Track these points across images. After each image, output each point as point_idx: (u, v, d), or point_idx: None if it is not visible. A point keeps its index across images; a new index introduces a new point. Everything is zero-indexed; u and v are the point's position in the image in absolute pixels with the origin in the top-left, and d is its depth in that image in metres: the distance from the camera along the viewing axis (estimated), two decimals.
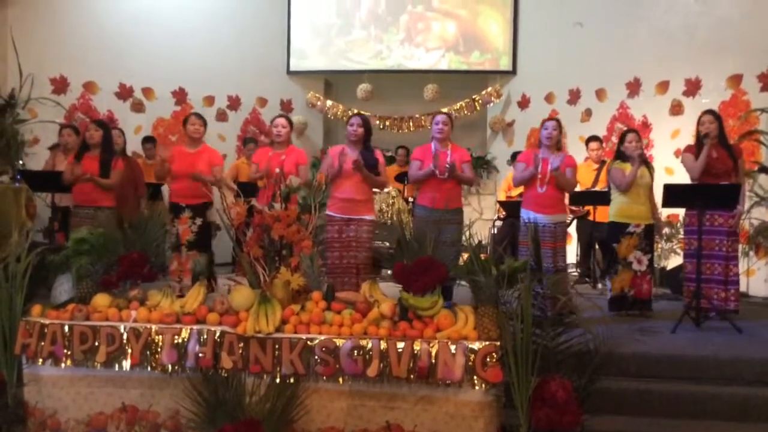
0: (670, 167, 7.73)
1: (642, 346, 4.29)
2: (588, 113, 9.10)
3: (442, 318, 3.40)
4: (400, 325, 3.38)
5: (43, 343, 3.48)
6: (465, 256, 3.77)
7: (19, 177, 6.98)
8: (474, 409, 3.23)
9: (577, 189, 6.72)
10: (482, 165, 10.05)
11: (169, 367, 3.40)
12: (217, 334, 3.39)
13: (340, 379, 3.31)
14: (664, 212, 6.10)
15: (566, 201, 6.24)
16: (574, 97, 9.26)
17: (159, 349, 3.41)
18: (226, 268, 8.04)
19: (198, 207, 5.61)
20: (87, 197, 5.57)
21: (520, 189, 7.94)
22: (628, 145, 5.64)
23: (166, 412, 3.44)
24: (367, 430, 3.32)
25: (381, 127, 10.12)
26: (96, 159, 5.61)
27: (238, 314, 3.47)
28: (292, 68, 10.37)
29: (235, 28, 9.81)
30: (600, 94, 8.98)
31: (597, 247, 7.49)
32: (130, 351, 3.43)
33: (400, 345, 3.27)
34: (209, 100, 9.83)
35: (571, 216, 7.50)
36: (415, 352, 3.25)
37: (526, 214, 5.30)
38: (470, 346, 3.24)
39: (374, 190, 5.59)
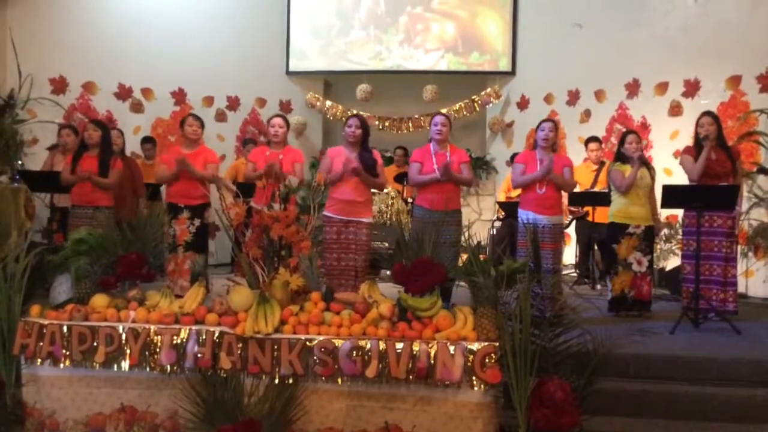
0: (668, 168, 7.74)
1: (641, 346, 4.29)
2: (587, 114, 9.11)
3: (441, 319, 3.40)
4: (398, 325, 3.38)
5: (41, 344, 3.47)
6: (464, 256, 3.77)
7: (18, 177, 6.99)
8: (473, 410, 3.23)
9: (576, 190, 6.72)
10: (481, 166, 10.06)
11: (168, 367, 3.40)
12: (216, 334, 3.39)
13: (339, 380, 3.30)
14: (663, 213, 6.10)
15: (565, 202, 6.25)
16: (573, 98, 9.27)
17: (158, 350, 3.41)
18: (225, 269, 8.05)
19: (196, 208, 5.60)
20: (86, 197, 5.57)
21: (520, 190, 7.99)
22: (628, 147, 5.64)
23: (164, 412, 3.43)
24: (365, 431, 3.31)
25: (380, 127, 10.13)
26: (95, 159, 5.62)
27: (237, 315, 3.47)
28: (292, 69, 10.37)
29: (234, 29, 9.82)
30: (599, 95, 8.99)
31: (596, 247, 7.50)
32: (128, 351, 3.43)
33: (399, 346, 3.27)
34: (208, 101, 9.83)
35: (570, 217, 7.51)
36: (414, 352, 3.25)
37: (525, 215, 5.30)
38: (469, 346, 3.24)
39: (373, 191, 5.59)
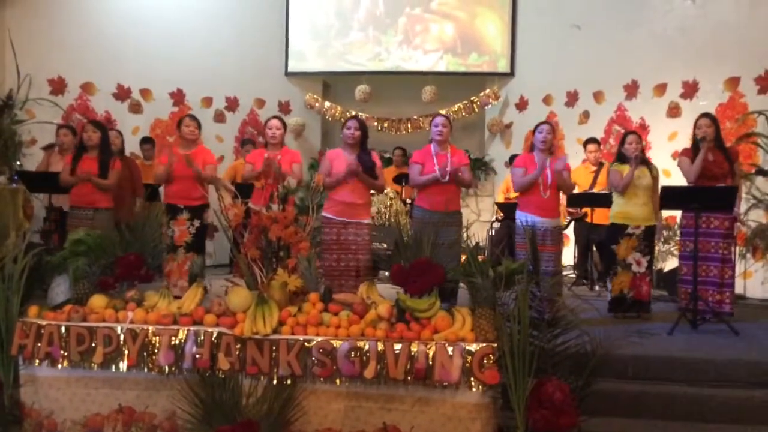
0: (667, 169, 7.74)
1: (639, 348, 4.29)
2: (586, 115, 9.11)
3: (439, 320, 3.40)
4: (397, 326, 3.38)
5: (39, 344, 3.47)
6: (464, 257, 3.77)
7: (16, 178, 6.98)
8: (471, 411, 3.23)
9: (575, 191, 6.73)
10: (480, 167, 10.06)
11: (166, 368, 3.40)
12: (214, 335, 3.39)
13: (337, 381, 3.31)
14: (662, 214, 6.11)
15: (563, 203, 6.25)
16: (572, 99, 9.27)
17: (156, 351, 3.41)
18: (223, 270, 8.05)
19: (195, 209, 5.60)
20: (85, 198, 5.57)
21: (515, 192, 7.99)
22: (628, 147, 5.65)
23: (162, 413, 3.44)
24: None
25: (379, 128, 10.13)
26: (94, 160, 5.61)
27: (236, 315, 3.47)
28: (291, 69, 10.37)
29: (233, 30, 9.81)
30: (598, 96, 8.99)
31: (594, 249, 7.51)
32: (126, 352, 3.43)
33: (398, 346, 3.27)
34: (207, 102, 9.83)
35: (569, 218, 7.51)
36: (413, 353, 3.25)
37: (526, 218, 5.24)
38: (467, 347, 3.25)
39: (371, 192, 5.59)
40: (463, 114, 10.11)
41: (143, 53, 9.18)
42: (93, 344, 3.45)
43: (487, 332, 3.29)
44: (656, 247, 6.93)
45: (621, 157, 5.70)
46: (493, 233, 8.38)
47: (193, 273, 3.95)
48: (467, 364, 3.23)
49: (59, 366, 3.48)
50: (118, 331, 3.45)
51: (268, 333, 3.34)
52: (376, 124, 10.07)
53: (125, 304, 3.63)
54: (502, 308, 3.40)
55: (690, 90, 8.04)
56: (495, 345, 3.24)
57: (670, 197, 5.30)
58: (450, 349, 3.24)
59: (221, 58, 9.59)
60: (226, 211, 3.84)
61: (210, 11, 9.76)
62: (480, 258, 3.56)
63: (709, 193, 5.24)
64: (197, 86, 9.63)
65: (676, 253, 7.29)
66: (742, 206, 6.32)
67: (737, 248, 6.40)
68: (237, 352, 3.35)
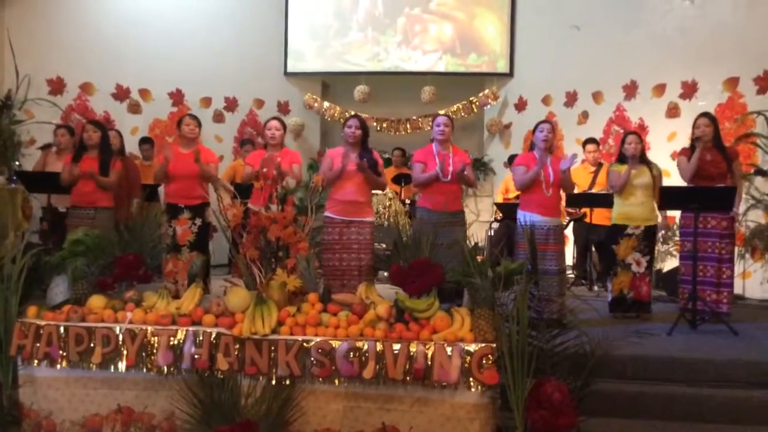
0: (666, 170, 7.72)
1: (638, 348, 4.29)
2: (585, 116, 9.11)
3: (438, 320, 3.40)
4: (396, 326, 3.38)
5: (38, 345, 3.47)
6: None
7: (15, 178, 6.98)
8: (470, 411, 3.23)
9: (574, 191, 6.72)
10: (479, 167, 10.05)
11: (165, 368, 3.40)
12: (213, 335, 3.39)
13: (336, 381, 3.30)
14: (660, 214, 6.11)
15: (563, 203, 6.24)
16: (571, 99, 9.27)
17: (154, 351, 3.41)
18: (222, 270, 8.04)
19: (196, 208, 5.59)
20: (86, 198, 5.56)
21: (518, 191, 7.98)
22: (627, 147, 5.66)
23: (161, 413, 3.43)
24: None
25: (378, 128, 10.12)
26: (95, 160, 5.61)
27: (234, 316, 3.47)
28: (290, 70, 10.37)
29: (232, 30, 9.81)
30: (596, 96, 8.99)
31: (593, 249, 7.51)
32: (125, 352, 3.43)
33: (396, 347, 3.27)
34: (206, 102, 9.83)
35: (568, 218, 7.51)
36: (411, 353, 3.25)
37: (530, 217, 5.19)
38: (466, 348, 3.25)
39: (374, 191, 5.58)
40: (462, 114, 10.11)
41: (142, 53, 9.18)
42: (92, 344, 3.44)
43: (486, 332, 3.29)
44: (656, 248, 6.95)
45: (622, 158, 5.71)
46: (492, 233, 8.38)
47: (192, 273, 3.94)
48: (466, 365, 3.22)
49: (58, 366, 3.47)
50: (117, 332, 3.45)
51: (266, 333, 3.34)
52: (375, 124, 10.06)
53: (124, 304, 3.63)
54: (501, 308, 3.40)
55: (689, 90, 8.04)
56: (494, 345, 3.24)
57: (670, 197, 5.31)
58: (449, 350, 3.24)
59: (220, 59, 9.59)
60: (224, 211, 3.83)
61: (209, 11, 9.76)
62: (479, 258, 3.55)
63: (708, 193, 5.24)
64: (196, 86, 9.63)
65: (675, 253, 7.31)
66: (741, 206, 6.31)
67: (735, 248, 6.39)
68: (236, 353, 3.35)
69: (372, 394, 3.31)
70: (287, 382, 3.31)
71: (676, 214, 6.96)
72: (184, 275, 3.83)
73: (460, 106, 10.14)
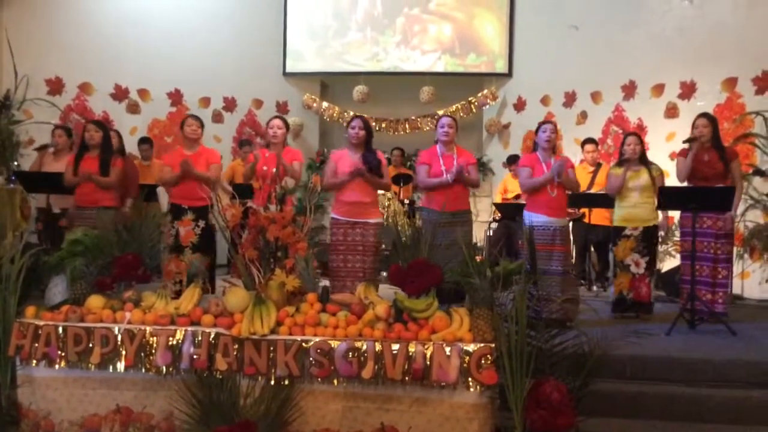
0: (665, 170, 7.74)
1: (637, 348, 4.29)
2: (583, 116, 9.12)
3: (437, 320, 3.40)
4: (395, 326, 3.38)
5: (37, 345, 3.47)
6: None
7: (13, 178, 6.97)
8: (468, 411, 3.23)
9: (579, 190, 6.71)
10: (478, 167, 10.04)
11: (164, 368, 3.39)
12: (212, 335, 3.39)
13: (335, 381, 3.30)
14: (660, 215, 6.11)
15: None
16: (570, 99, 9.28)
17: (153, 351, 3.40)
18: (221, 270, 8.03)
19: (201, 209, 5.58)
20: (88, 198, 5.56)
21: (516, 191, 7.99)
22: (626, 148, 5.66)
23: (160, 413, 3.43)
24: None
25: (377, 129, 10.10)
26: (96, 159, 5.62)
27: (233, 316, 3.46)
28: (289, 70, 10.37)
29: (231, 30, 9.81)
30: (595, 96, 9.00)
31: (592, 249, 7.51)
32: (124, 353, 3.42)
33: (395, 347, 3.27)
34: (205, 102, 9.83)
35: (567, 218, 7.51)
36: (410, 353, 3.25)
37: (537, 218, 5.18)
38: (465, 348, 3.25)
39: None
40: (461, 114, 10.11)
41: (141, 53, 9.18)
42: (90, 345, 3.44)
43: (484, 332, 3.29)
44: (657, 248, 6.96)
45: (622, 159, 5.72)
46: (491, 233, 8.38)
47: (191, 273, 3.93)
48: (465, 365, 3.22)
49: (56, 366, 3.47)
50: (116, 332, 3.44)
51: (265, 333, 3.34)
52: (374, 124, 10.01)
53: (123, 304, 3.63)
54: (500, 308, 3.40)
55: (688, 90, 8.05)
56: (493, 345, 3.24)
57: (668, 197, 5.31)
58: (448, 350, 3.24)
59: (219, 59, 9.59)
60: (223, 211, 3.83)
61: (208, 11, 9.76)
62: (478, 258, 3.55)
63: (707, 193, 5.24)
64: (195, 86, 9.64)
65: (675, 253, 7.32)
66: (740, 206, 6.31)
67: (734, 249, 6.40)
68: (234, 353, 3.35)
69: (371, 394, 3.31)
70: (286, 382, 3.30)
71: (675, 215, 6.98)
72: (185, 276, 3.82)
73: (459, 107, 10.14)
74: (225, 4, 9.92)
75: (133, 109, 9.36)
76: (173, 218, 5.43)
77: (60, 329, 3.47)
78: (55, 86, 8.85)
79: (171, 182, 5.67)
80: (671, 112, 8.18)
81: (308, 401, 3.32)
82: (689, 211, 5.31)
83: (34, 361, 3.48)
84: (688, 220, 5.35)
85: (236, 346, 3.35)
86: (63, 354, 3.46)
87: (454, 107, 10.11)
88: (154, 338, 3.41)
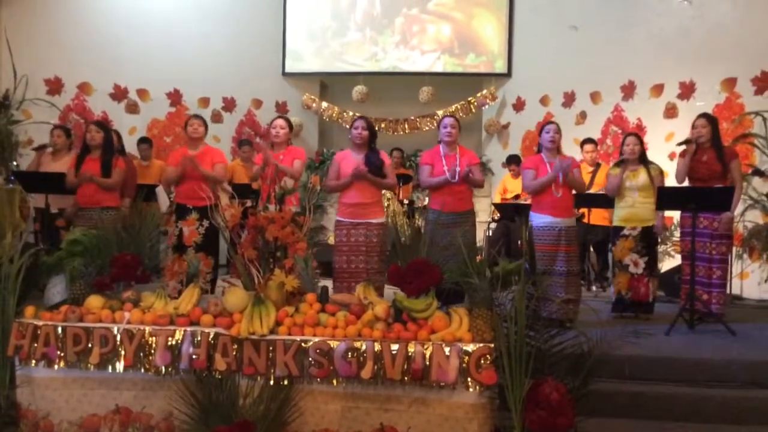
0: (665, 171, 7.75)
1: (636, 348, 4.28)
2: (583, 116, 9.12)
3: (436, 320, 3.40)
4: (394, 327, 3.38)
5: (36, 345, 3.47)
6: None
7: (12, 178, 6.97)
8: (468, 411, 3.23)
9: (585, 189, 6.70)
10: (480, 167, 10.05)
11: (163, 368, 3.39)
12: (211, 335, 3.38)
13: (334, 381, 3.30)
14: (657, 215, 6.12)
15: None
16: (569, 99, 9.28)
17: (152, 351, 3.40)
18: (220, 270, 8.03)
19: (205, 209, 5.56)
20: (90, 199, 5.56)
21: (516, 191, 8.00)
22: (625, 149, 5.67)
23: (159, 413, 3.43)
24: None
25: (376, 129, 10.10)
26: (97, 160, 5.62)
27: (232, 316, 3.46)
28: (288, 70, 10.37)
29: (230, 30, 9.81)
30: (595, 96, 9.00)
31: (591, 249, 7.51)
32: (123, 353, 3.42)
33: (395, 347, 3.27)
34: (204, 102, 9.83)
35: (574, 218, 7.50)
36: (410, 354, 3.25)
37: (542, 219, 5.17)
38: (464, 348, 3.25)
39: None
40: (460, 114, 10.09)
41: (140, 53, 9.18)
42: (89, 345, 3.44)
43: (484, 333, 3.29)
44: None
45: (621, 159, 5.72)
46: (490, 233, 8.38)
47: (190, 273, 3.93)
48: (464, 365, 3.22)
49: (56, 367, 3.47)
50: (115, 332, 3.44)
51: (265, 333, 3.34)
52: None
53: (122, 304, 3.62)
54: (499, 309, 3.40)
55: (687, 91, 8.05)
56: (492, 345, 3.24)
57: (667, 198, 5.31)
58: (447, 350, 3.24)
59: (218, 59, 9.60)
60: (223, 211, 3.83)
61: (207, 12, 9.76)
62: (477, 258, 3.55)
63: (706, 193, 5.24)
64: (194, 86, 9.63)
65: (674, 253, 7.33)
66: (739, 206, 6.30)
67: (733, 248, 6.40)
68: (234, 353, 3.35)
69: (370, 394, 3.31)
70: (285, 382, 3.30)
71: (674, 215, 6.99)
72: (204, 275, 3.83)
73: (458, 107, 10.14)
74: (224, 5, 9.92)
75: (133, 109, 9.36)
76: (177, 218, 5.43)
77: (59, 329, 3.47)
78: (55, 86, 8.84)
79: (173, 179, 5.68)
80: (670, 112, 8.18)
81: (307, 401, 3.32)
82: (688, 211, 5.31)
83: (33, 362, 3.48)
84: (687, 220, 5.36)
85: (235, 346, 3.35)
86: (62, 354, 3.45)
87: (453, 107, 10.11)
88: (154, 338, 3.41)
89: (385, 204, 8.05)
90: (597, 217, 7.13)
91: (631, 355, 4.14)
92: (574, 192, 5.37)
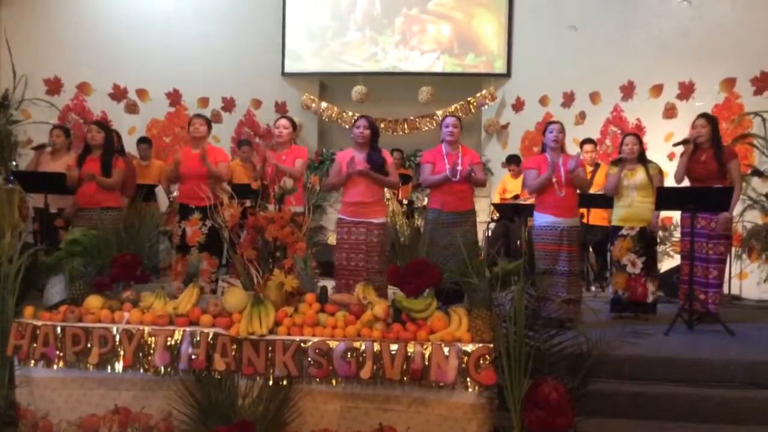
0: (664, 170, 7.75)
1: (635, 348, 4.28)
2: (582, 116, 9.13)
3: (435, 320, 3.39)
4: (393, 327, 3.37)
5: (35, 345, 3.46)
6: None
7: (12, 178, 6.97)
8: (467, 411, 3.23)
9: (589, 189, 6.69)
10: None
11: (162, 368, 3.39)
12: (210, 335, 3.38)
13: (334, 381, 3.30)
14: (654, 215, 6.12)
15: None
16: (568, 99, 9.28)
17: (152, 351, 3.40)
18: (220, 270, 8.03)
19: (207, 209, 5.55)
20: (91, 199, 5.55)
21: (515, 191, 8.00)
22: (624, 148, 5.67)
23: (158, 414, 3.43)
24: None
25: None
26: (98, 161, 5.62)
27: (232, 316, 3.46)
28: (287, 70, 10.37)
29: (230, 30, 9.81)
30: (594, 97, 9.01)
31: (591, 249, 7.52)
32: (122, 353, 3.42)
33: (394, 347, 3.26)
34: (203, 102, 9.83)
35: (577, 218, 7.50)
36: (409, 354, 3.25)
37: (544, 218, 5.18)
38: (463, 348, 3.24)
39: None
40: (460, 115, 10.07)
41: (140, 53, 9.19)
42: (89, 345, 3.43)
43: (483, 333, 3.29)
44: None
45: (621, 159, 5.73)
46: (490, 233, 8.38)
47: (190, 273, 3.93)
48: (463, 365, 3.22)
49: (55, 367, 3.46)
50: (114, 332, 3.44)
51: (264, 333, 3.34)
52: None
53: (121, 304, 3.62)
54: (499, 309, 3.40)
55: (686, 91, 8.06)
56: (491, 345, 3.24)
57: (666, 198, 5.31)
58: (446, 350, 3.24)
59: (218, 59, 9.60)
60: (222, 211, 3.83)
61: (207, 12, 9.77)
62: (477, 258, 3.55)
63: (705, 193, 5.24)
64: (194, 87, 9.64)
65: (672, 253, 7.33)
66: (738, 207, 6.31)
67: (732, 249, 6.40)
68: (233, 353, 3.34)
69: (369, 394, 3.31)
70: (284, 382, 3.30)
71: (674, 215, 6.99)
72: (208, 276, 3.83)
73: (458, 107, 10.14)
74: (224, 5, 9.92)
75: (132, 109, 9.36)
76: (181, 218, 5.44)
77: (58, 329, 3.46)
78: (54, 86, 8.85)
79: (173, 177, 5.69)
80: (670, 112, 8.19)
81: (306, 401, 3.31)
82: (687, 211, 5.31)
83: (32, 362, 3.47)
84: (687, 220, 5.36)
85: (234, 347, 3.35)
86: (61, 354, 3.45)
87: (452, 107, 10.11)
88: (153, 338, 3.41)
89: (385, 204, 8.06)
90: (596, 217, 7.14)
91: (631, 355, 4.15)
92: (578, 192, 5.37)
